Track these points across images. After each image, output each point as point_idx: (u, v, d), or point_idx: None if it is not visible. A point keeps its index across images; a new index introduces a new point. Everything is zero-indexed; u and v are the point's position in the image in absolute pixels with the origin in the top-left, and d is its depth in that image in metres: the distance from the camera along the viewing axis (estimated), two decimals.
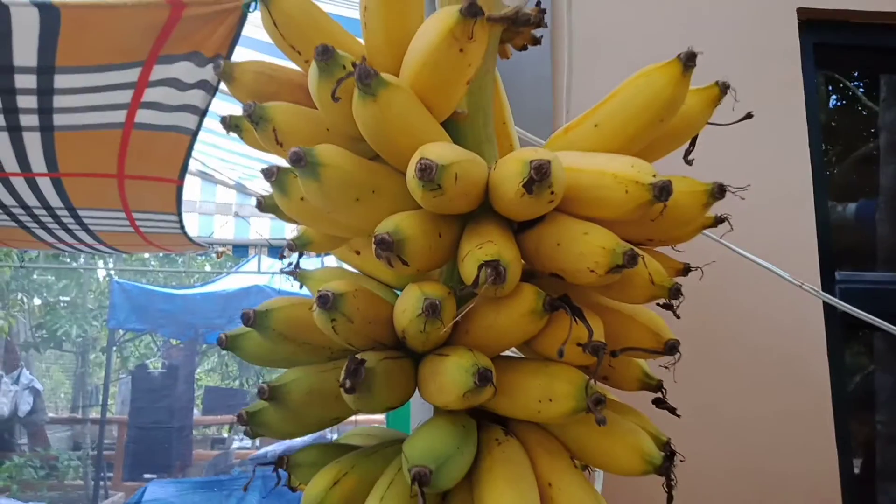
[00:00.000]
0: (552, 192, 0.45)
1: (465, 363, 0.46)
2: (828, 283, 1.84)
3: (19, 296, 11.60)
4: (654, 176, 0.45)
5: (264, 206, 0.60)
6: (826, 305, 1.71)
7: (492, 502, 0.47)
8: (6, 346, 10.41)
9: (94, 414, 11.34)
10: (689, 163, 0.60)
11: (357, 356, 0.47)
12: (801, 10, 1.90)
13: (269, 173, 0.51)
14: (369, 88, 0.45)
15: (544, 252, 0.49)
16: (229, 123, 0.60)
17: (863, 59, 2.29)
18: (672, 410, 0.59)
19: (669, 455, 0.51)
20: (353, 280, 0.56)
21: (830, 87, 2.81)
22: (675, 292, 0.49)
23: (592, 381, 0.47)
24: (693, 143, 0.60)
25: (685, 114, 0.55)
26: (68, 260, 10.75)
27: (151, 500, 5.84)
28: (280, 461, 0.58)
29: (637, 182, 0.45)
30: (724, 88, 0.56)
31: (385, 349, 0.52)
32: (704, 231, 1.27)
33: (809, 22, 1.94)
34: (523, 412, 0.50)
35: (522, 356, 0.56)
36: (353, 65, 0.46)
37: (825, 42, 2.02)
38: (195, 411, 10.10)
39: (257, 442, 10.52)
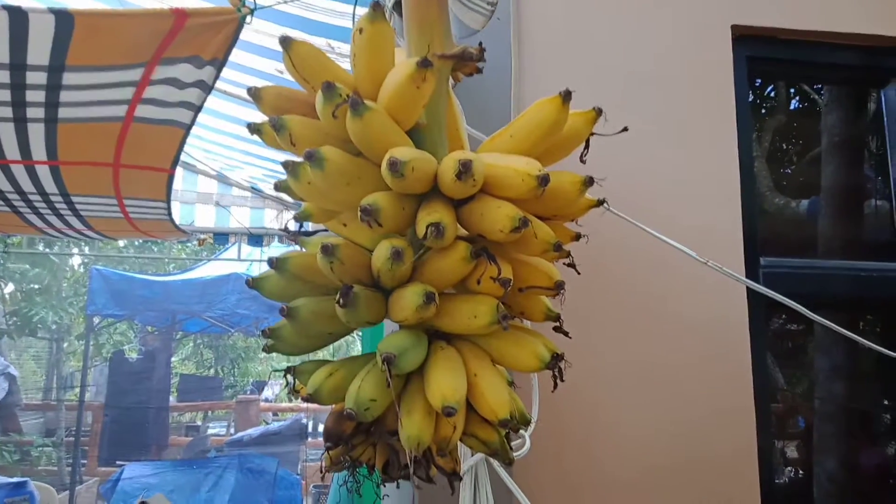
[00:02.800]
0: (474, 180, 0.70)
1: (418, 290, 0.71)
2: (753, 269, 2.03)
3: None
4: (539, 170, 0.70)
5: (280, 187, 0.84)
6: (749, 289, 1.90)
7: (434, 381, 0.71)
8: None
9: (68, 402, 11.33)
10: (584, 162, 0.85)
11: (348, 285, 0.72)
12: (734, 27, 2.03)
13: (288, 165, 0.76)
14: (357, 111, 0.70)
15: (473, 220, 0.74)
16: (253, 128, 0.84)
17: (791, 71, 2.50)
18: (566, 333, 0.85)
19: (556, 357, 0.77)
20: (342, 239, 0.80)
21: (793, 91, 3.01)
22: (557, 246, 0.75)
23: (502, 305, 0.72)
24: (587, 147, 0.85)
25: (572, 129, 0.80)
26: (41, 247, 10.75)
27: (129, 478, 5.99)
28: (288, 369, 0.83)
29: (528, 174, 0.70)
30: (598, 112, 0.81)
31: (365, 286, 0.77)
32: (637, 222, 1.50)
33: (742, 37, 2.11)
34: (458, 327, 0.75)
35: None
36: (347, 95, 0.71)
37: (757, 55, 2.21)
38: (171, 398, 10.18)
39: (231, 429, 10.66)
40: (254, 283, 0.82)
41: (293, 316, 0.75)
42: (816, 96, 2.92)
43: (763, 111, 2.94)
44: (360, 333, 2.09)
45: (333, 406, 0.79)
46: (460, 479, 0.82)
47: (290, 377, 0.83)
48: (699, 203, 1.92)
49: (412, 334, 0.74)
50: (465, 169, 0.68)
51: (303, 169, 0.75)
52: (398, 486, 0.86)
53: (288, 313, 0.75)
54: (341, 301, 0.70)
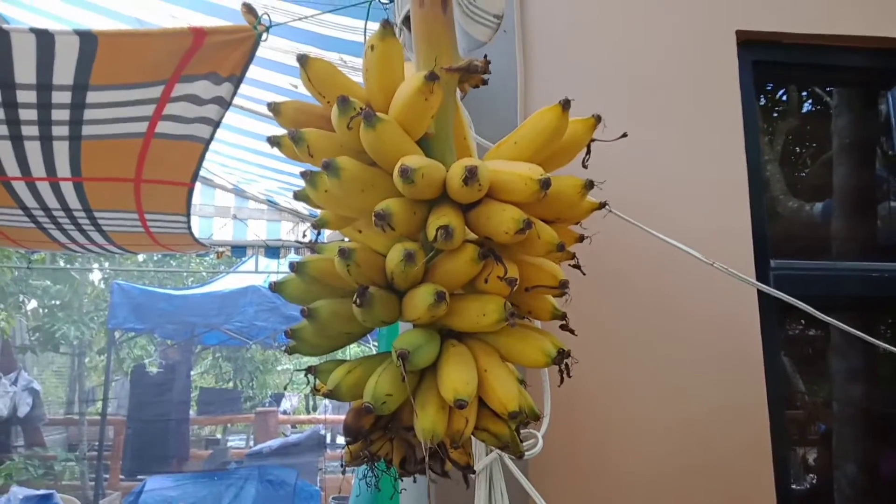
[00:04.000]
0: (479, 185, 0.75)
1: (430, 289, 0.76)
2: (763, 271, 2.04)
3: (20, 298, 11.75)
4: (541, 174, 0.75)
5: (299, 196, 0.89)
6: (760, 292, 1.91)
7: (447, 376, 0.76)
8: (3, 348, 10.55)
9: (90, 416, 11.47)
10: (586, 167, 0.90)
11: (364, 286, 0.76)
12: (739, 32, 2.04)
13: (306, 175, 0.81)
14: (371, 123, 0.75)
15: (480, 223, 0.79)
16: (274, 141, 0.89)
17: (797, 75, 2.53)
18: (572, 331, 0.89)
19: (561, 353, 0.81)
20: (358, 244, 0.85)
21: (805, 94, 3.02)
22: (561, 247, 0.79)
23: (509, 304, 0.77)
24: (588, 153, 0.90)
25: (573, 135, 0.85)
26: (61, 263, 10.93)
27: (151, 490, 6.07)
28: (309, 369, 0.88)
29: (531, 178, 0.74)
30: (597, 119, 0.85)
31: (380, 287, 0.81)
32: (642, 224, 1.53)
33: (747, 42, 2.13)
34: (468, 325, 0.79)
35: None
36: (361, 108, 0.76)
37: (762, 60, 2.23)
38: (190, 412, 10.28)
39: (251, 442, 10.74)
40: (276, 286, 0.87)
41: (313, 316, 0.80)
42: (828, 98, 2.92)
43: (775, 115, 2.95)
44: (378, 343, 2.14)
45: (352, 403, 0.84)
46: (474, 472, 0.86)
47: (310, 377, 0.87)
48: (707, 206, 1.94)
49: (425, 332, 0.78)
50: (471, 174, 0.73)
51: (320, 178, 0.80)
52: (415, 481, 0.90)
53: (308, 314, 0.80)
54: (358, 301, 0.74)
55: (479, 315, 0.77)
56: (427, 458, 0.78)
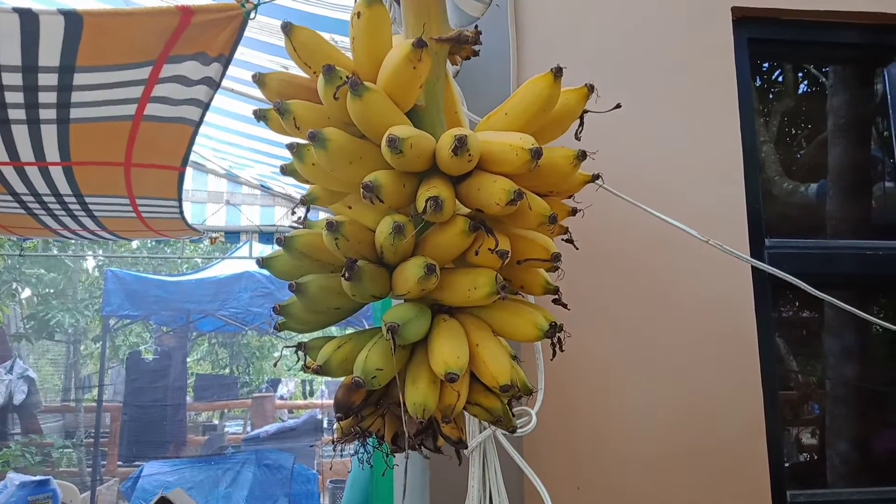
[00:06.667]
0: (470, 155, 0.73)
1: (419, 262, 0.74)
2: (757, 250, 2.03)
3: (14, 286, 11.70)
4: (532, 144, 0.73)
5: (286, 171, 0.87)
6: (754, 270, 1.91)
7: (437, 350, 0.75)
8: None
9: (86, 403, 11.48)
10: (579, 138, 0.88)
11: (352, 259, 0.75)
12: (735, 9, 2.01)
13: (292, 147, 0.79)
14: (357, 92, 0.73)
15: (471, 195, 0.77)
16: (259, 115, 0.87)
17: (793, 52, 2.51)
18: (564, 305, 0.88)
19: (554, 326, 0.80)
20: (347, 218, 0.84)
21: (801, 75, 3.00)
22: (553, 218, 0.77)
23: (500, 276, 0.75)
24: (581, 125, 0.88)
25: (566, 105, 0.83)
26: (54, 250, 10.87)
27: (148, 475, 6.09)
28: (300, 345, 0.86)
29: (522, 147, 0.73)
30: (590, 89, 0.83)
31: (370, 262, 0.80)
32: (639, 203, 1.51)
33: (743, 19, 2.11)
34: (459, 299, 0.78)
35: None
36: (347, 77, 0.74)
37: (758, 37, 2.20)
38: (187, 398, 10.28)
39: (248, 427, 10.77)
40: (264, 262, 0.85)
41: (302, 291, 0.78)
42: (823, 79, 2.91)
43: (771, 95, 2.93)
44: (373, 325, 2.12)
45: (344, 379, 0.83)
46: (466, 447, 0.85)
47: (300, 353, 0.86)
48: (702, 185, 1.93)
49: (415, 306, 0.77)
50: (460, 144, 0.72)
51: (307, 150, 0.78)
52: (407, 457, 0.89)
53: (297, 289, 0.78)
54: (347, 275, 0.73)
55: (471, 288, 0.76)
56: (413, 433, 0.78)
